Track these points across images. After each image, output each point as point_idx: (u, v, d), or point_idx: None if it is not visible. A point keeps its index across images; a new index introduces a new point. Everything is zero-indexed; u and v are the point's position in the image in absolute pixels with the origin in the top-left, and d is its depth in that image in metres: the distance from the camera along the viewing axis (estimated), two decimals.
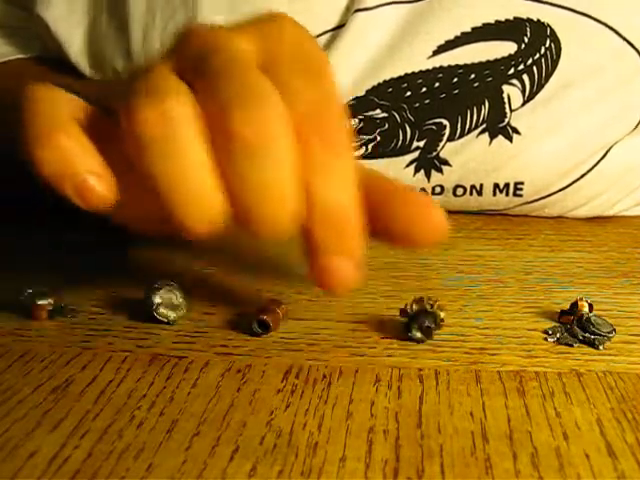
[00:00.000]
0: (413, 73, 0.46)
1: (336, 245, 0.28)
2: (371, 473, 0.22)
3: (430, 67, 0.46)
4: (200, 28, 0.29)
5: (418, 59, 0.45)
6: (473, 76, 0.46)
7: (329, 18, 0.45)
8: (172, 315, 0.33)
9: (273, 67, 0.28)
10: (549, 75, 0.46)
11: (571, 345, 0.31)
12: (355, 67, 0.46)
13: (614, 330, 0.31)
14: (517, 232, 0.47)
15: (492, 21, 0.45)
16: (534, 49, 0.45)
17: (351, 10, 0.45)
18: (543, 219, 0.50)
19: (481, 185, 0.48)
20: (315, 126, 0.27)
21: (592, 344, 0.31)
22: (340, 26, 0.45)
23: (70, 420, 0.25)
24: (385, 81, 0.46)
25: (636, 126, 0.47)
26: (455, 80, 0.46)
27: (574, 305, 0.33)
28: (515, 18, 0.45)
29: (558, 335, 0.32)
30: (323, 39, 0.45)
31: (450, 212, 0.45)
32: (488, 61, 0.46)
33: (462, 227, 0.48)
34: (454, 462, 0.23)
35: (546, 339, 0.32)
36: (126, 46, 0.47)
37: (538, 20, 0.45)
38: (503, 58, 0.45)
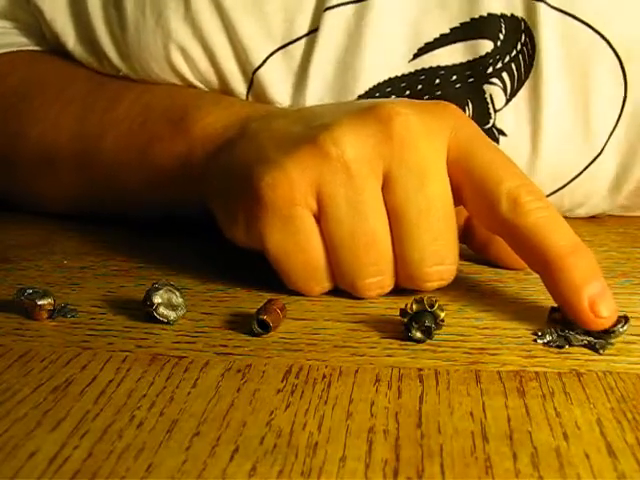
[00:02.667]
0: (397, 77, 0.46)
1: (592, 271, 0.32)
2: (371, 473, 0.22)
3: (412, 70, 0.46)
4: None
5: (400, 63, 0.45)
6: (455, 77, 0.46)
7: (304, 21, 0.45)
8: (172, 315, 0.33)
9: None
10: (528, 71, 0.45)
11: (561, 347, 0.31)
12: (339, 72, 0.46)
13: (626, 320, 0.31)
14: None
15: (468, 19, 0.45)
16: (510, 45, 0.45)
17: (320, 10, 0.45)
18: None
19: None
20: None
21: (593, 347, 0.31)
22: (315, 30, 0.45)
23: (70, 420, 0.25)
24: (374, 86, 0.46)
25: (617, 120, 0.46)
26: (437, 82, 0.46)
27: None
28: (489, 14, 0.45)
29: (547, 338, 0.31)
30: (302, 42, 0.45)
31: None
32: (468, 61, 0.45)
33: None
34: (454, 462, 0.23)
35: (535, 340, 0.31)
36: (119, 30, 0.47)
37: (512, 15, 0.45)
38: (481, 57, 0.45)
